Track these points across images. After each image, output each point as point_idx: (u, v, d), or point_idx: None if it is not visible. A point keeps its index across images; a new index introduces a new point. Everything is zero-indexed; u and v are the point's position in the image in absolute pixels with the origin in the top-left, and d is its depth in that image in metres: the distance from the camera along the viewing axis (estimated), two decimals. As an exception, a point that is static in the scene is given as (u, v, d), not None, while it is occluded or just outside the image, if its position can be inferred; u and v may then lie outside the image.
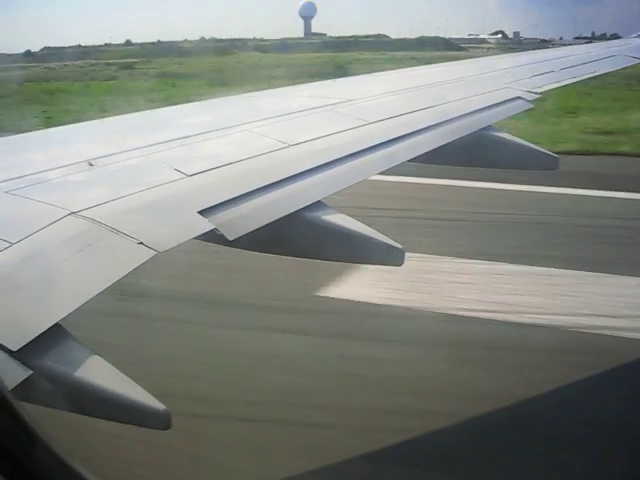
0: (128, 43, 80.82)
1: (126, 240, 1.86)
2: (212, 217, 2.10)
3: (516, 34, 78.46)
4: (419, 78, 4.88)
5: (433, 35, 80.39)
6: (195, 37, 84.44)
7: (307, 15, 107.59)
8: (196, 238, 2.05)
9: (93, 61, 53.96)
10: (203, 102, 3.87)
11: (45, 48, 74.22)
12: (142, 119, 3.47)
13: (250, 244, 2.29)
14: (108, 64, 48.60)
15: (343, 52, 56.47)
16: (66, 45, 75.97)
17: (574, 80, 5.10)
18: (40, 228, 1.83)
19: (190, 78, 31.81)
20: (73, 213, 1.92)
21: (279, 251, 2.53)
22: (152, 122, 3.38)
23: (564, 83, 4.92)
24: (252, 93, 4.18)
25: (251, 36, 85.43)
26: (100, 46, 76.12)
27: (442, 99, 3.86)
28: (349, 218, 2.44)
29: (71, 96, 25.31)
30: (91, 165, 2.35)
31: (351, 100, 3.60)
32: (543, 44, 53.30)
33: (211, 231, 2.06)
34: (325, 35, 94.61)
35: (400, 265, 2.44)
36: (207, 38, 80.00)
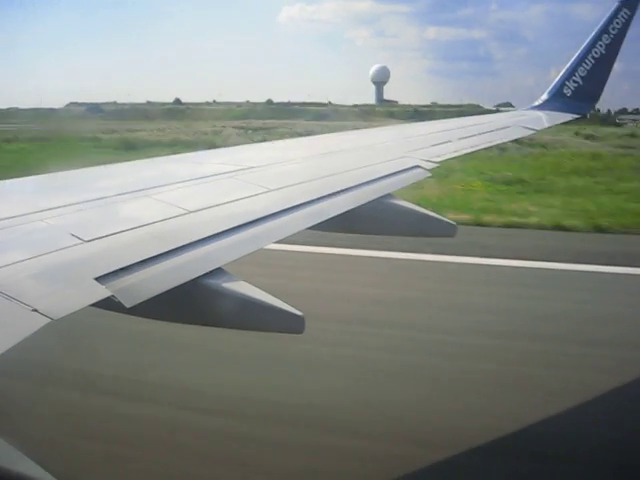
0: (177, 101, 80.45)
1: (19, 307, 1.81)
2: (109, 284, 2.06)
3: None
4: (323, 146, 5.03)
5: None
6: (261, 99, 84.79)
7: (379, 80, 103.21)
8: (92, 305, 2.00)
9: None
10: (108, 166, 3.81)
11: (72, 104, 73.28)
12: (42, 182, 3.39)
13: (149, 312, 2.26)
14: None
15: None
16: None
17: (470, 150, 5.33)
18: None
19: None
20: None
21: (178, 319, 2.49)
22: (52, 185, 3.31)
23: (461, 153, 5.13)
24: (158, 158, 4.18)
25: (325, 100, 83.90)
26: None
27: (343, 167, 3.97)
28: (250, 285, 2.43)
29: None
30: None
31: (252, 167, 3.66)
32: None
33: (108, 298, 2.02)
34: (397, 102, 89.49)
35: (301, 333, 2.44)
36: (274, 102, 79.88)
